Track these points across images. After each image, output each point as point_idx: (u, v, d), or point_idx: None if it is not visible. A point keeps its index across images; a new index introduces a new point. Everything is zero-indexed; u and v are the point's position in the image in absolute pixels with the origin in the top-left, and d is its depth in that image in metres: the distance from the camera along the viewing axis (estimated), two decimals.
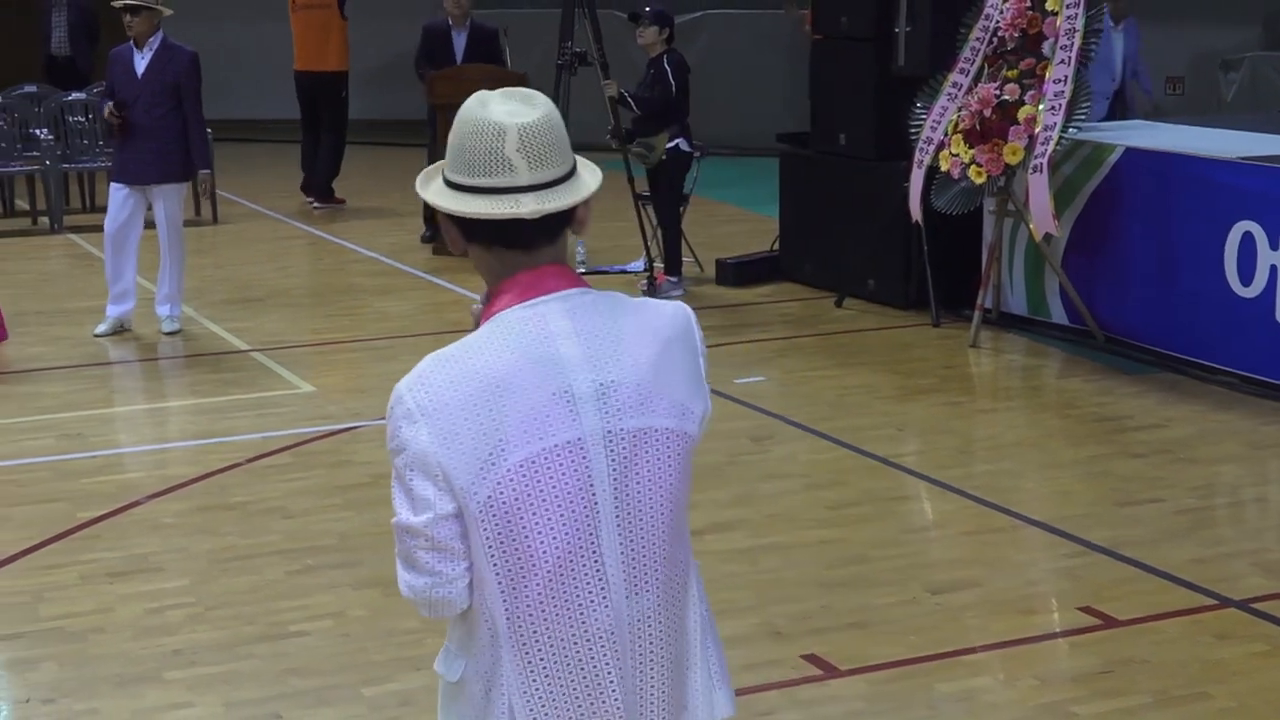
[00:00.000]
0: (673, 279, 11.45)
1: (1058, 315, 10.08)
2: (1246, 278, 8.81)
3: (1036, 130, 9.47)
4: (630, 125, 11.37)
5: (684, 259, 11.64)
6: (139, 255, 10.29)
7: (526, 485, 2.65)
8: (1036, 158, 9.41)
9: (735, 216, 14.61)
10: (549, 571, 2.68)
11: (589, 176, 2.78)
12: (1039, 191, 9.39)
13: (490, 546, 2.67)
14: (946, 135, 9.94)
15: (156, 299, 10.43)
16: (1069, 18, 9.50)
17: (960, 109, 9.90)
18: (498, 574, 2.68)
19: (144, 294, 10.59)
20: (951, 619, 5.97)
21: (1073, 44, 9.47)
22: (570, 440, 2.67)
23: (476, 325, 2.77)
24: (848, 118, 11.23)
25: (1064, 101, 9.42)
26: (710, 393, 2.87)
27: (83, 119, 14.53)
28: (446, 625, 2.86)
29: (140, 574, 6.44)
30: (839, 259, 11.15)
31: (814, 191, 11.56)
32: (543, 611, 2.70)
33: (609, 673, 2.76)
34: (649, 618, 2.79)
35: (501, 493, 2.64)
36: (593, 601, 2.73)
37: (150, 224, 10.33)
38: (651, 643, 2.80)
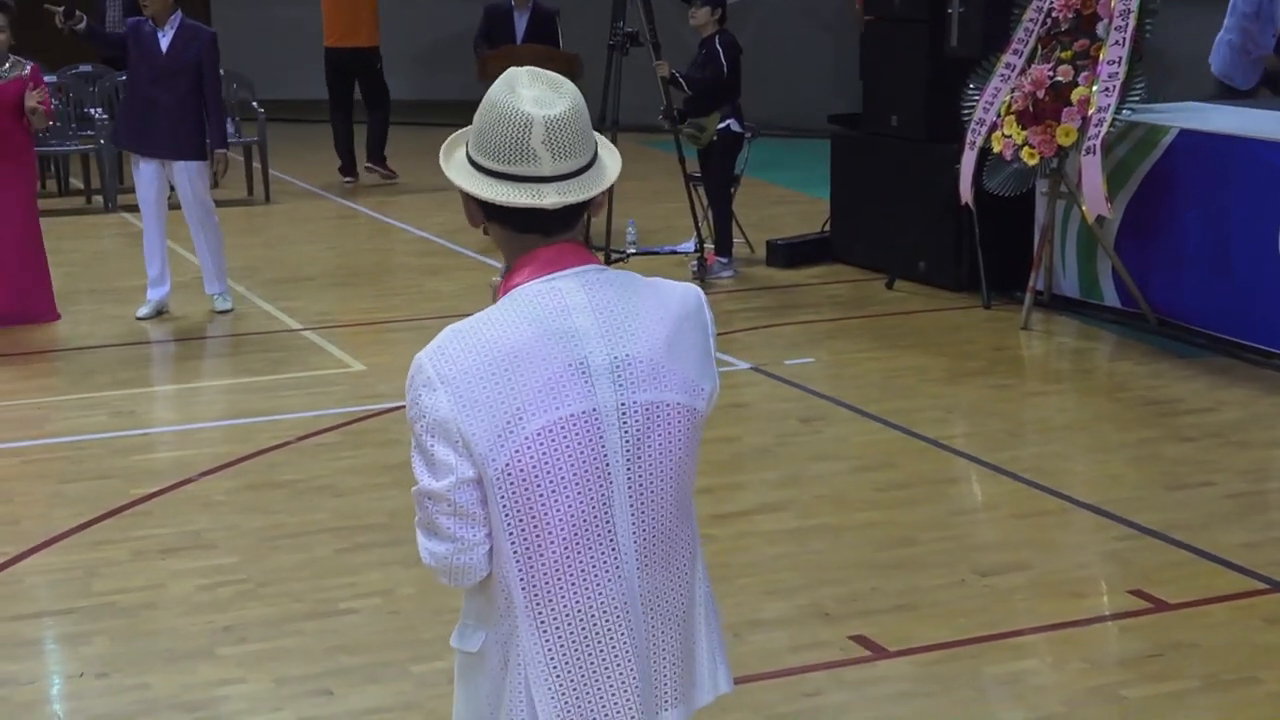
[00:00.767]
0: (723, 259, 11.44)
1: (1110, 298, 10.02)
2: None
3: (1090, 112, 9.41)
4: (682, 106, 11.35)
5: (735, 240, 11.62)
6: (178, 232, 10.31)
7: (544, 453, 2.69)
8: (1090, 139, 9.36)
9: (786, 198, 14.57)
10: (564, 541, 2.73)
11: (610, 163, 2.82)
12: (1092, 173, 9.33)
13: (507, 515, 2.71)
14: (999, 116, 9.88)
15: (204, 280, 10.49)
16: None
17: (1013, 90, 9.84)
18: (514, 543, 2.73)
19: (194, 273, 10.65)
20: (1000, 601, 5.96)
21: (1127, 25, 9.41)
22: (586, 410, 2.72)
23: (495, 299, 2.82)
24: (899, 99, 11.19)
25: (1118, 83, 9.35)
26: (718, 373, 2.92)
27: None
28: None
29: (191, 550, 6.48)
30: (890, 241, 11.12)
31: (865, 173, 11.52)
32: (558, 582, 2.75)
33: (624, 646, 2.80)
34: (660, 592, 2.84)
35: (519, 459, 2.68)
36: (606, 574, 2.77)
37: (176, 205, 10.36)
38: (663, 618, 2.85)
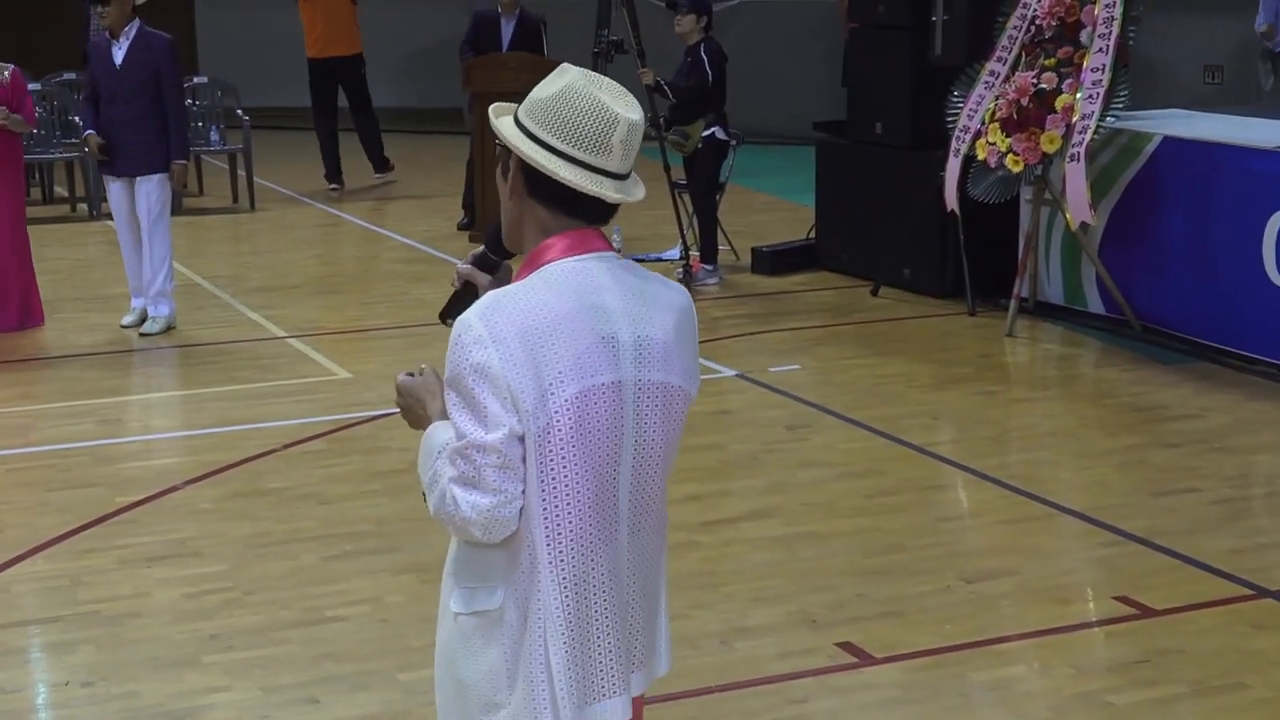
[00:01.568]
0: (708, 267, 11.45)
1: (1094, 304, 10.04)
2: None
3: (1074, 119, 9.44)
4: (667, 113, 11.37)
5: (720, 247, 11.63)
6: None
7: (578, 417, 2.86)
8: (1074, 146, 9.38)
9: (771, 205, 14.59)
10: (586, 504, 2.89)
11: (639, 182, 3.03)
12: (1076, 180, 9.36)
13: (541, 474, 2.85)
14: (983, 124, 9.91)
15: (146, 294, 10.11)
16: (1107, 6, 9.46)
17: (997, 97, 9.87)
18: (544, 503, 2.87)
19: (183, 281, 10.62)
20: (987, 608, 5.97)
21: (1110, 32, 9.44)
22: (612, 382, 2.90)
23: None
24: (884, 106, 11.21)
25: (1102, 90, 9.38)
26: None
27: None
28: None
29: (177, 559, 6.47)
30: (875, 248, 11.13)
31: (850, 180, 11.54)
32: (575, 544, 2.91)
33: (614, 609, 2.97)
34: (640, 562, 3.03)
35: (557, 422, 2.84)
36: (610, 538, 2.95)
37: None
38: (638, 586, 3.04)
